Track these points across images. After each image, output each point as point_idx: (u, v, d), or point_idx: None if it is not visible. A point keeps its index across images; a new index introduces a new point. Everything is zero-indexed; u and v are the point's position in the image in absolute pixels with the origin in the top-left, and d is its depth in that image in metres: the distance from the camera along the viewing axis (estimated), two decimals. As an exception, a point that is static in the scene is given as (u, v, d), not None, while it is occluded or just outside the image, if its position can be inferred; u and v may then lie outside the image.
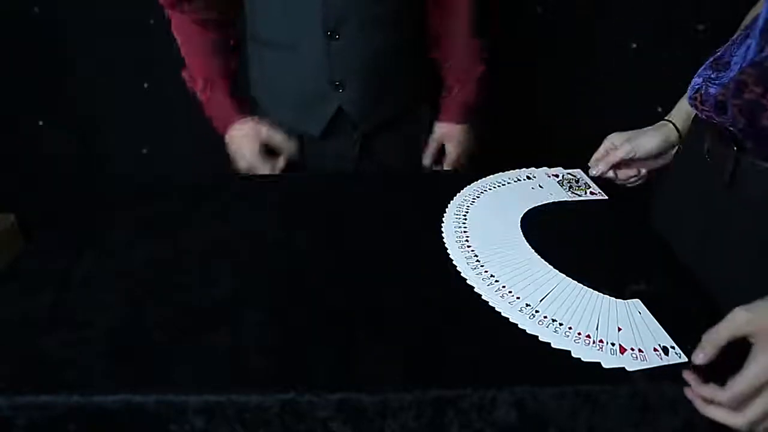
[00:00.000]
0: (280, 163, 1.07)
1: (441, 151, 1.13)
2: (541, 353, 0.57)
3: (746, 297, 0.53)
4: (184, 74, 1.09)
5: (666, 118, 0.83)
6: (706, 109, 0.68)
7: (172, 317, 0.62)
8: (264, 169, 1.06)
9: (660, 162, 0.84)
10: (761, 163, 0.63)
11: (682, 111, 0.81)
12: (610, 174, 0.86)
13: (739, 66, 0.64)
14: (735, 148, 0.65)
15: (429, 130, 1.12)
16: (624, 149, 0.82)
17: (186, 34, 1.06)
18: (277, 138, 1.05)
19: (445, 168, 1.12)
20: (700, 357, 0.53)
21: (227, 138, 1.09)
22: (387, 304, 0.64)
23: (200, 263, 0.72)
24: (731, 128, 0.65)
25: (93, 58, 1.57)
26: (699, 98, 0.69)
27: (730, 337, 0.52)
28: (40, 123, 1.66)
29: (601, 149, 0.86)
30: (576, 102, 1.57)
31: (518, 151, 1.52)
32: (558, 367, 0.56)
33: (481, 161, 1.18)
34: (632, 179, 0.86)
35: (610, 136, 0.85)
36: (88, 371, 0.55)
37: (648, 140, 0.82)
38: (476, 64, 1.08)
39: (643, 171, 0.85)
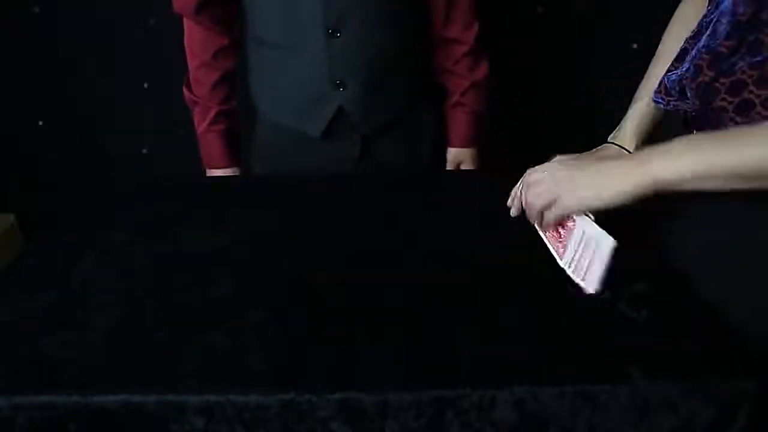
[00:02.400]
0: None
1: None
2: (541, 353, 0.57)
3: (722, 281, 0.60)
4: (186, 93, 1.11)
5: (610, 140, 0.82)
6: (672, 97, 0.70)
7: (172, 317, 0.63)
8: None
9: None
10: None
11: (626, 132, 0.81)
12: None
13: (697, 52, 0.67)
14: (694, 132, 0.68)
15: (430, 131, 1.12)
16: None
17: (198, 41, 1.06)
18: None
19: None
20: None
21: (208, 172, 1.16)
22: (387, 304, 0.64)
23: (200, 263, 0.72)
24: (692, 113, 0.68)
25: (93, 58, 1.57)
26: (663, 90, 0.72)
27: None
28: (40, 123, 1.66)
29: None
30: (576, 102, 1.57)
31: (518, 151, 1.52)
32: (558, 367, 0.56)
33: (481, 161, 1.18)
34: None
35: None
36: (88, 371, 0.55)
37: None
38: (477, 72, 1.10)
39: None
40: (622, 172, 0.64)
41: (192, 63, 1.08)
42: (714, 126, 0.65)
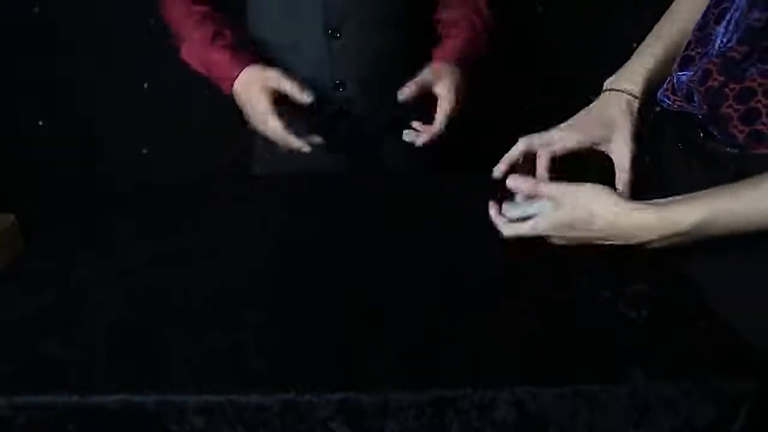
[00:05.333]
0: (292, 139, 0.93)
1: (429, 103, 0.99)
2: (541, 353, 0.57)
3: (721, 281, 0.61)
4: (184, 55, 1.01)
5: (612, 86, 0.76)
6: (678, 98, 0.69)
7: (172, 317, 0.62)
8: (278, 127, 0.93)
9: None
10: (723, 147, 0.65)
11: (636, 72, 0.75)
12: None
13: (706, 55, 0.66)
14: (701, 134, 0.67)
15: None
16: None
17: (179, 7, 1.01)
18: (287, 84, 0.92)
19: (438, 117, 0.96)
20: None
21: (234, 93, 0.97)
22: (387, 304, 0.64)
23: (200, 263, 0.72)
24: (699, 116, 0.67)
25: (93, 58, 1.57)
26: (671, 88, 0.71)
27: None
28: (40, 123, 1.66)
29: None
30: (575, 102, 1.57)
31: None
32: (558, 367, 0.56)
33: (481, 162, 1.18)
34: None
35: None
36: (88, 371, 0.55)
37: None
38: (477, 18, 1.03)
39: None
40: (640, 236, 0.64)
41: (178, 25, 1.01)
42: (720, 130, 0.65)
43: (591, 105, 0.77)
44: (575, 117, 0.77)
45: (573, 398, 0.53)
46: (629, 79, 0.75)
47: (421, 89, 0.95)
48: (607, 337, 0.59)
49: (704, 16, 0.70)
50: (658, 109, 0.75)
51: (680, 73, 0.70)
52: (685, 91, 0.68)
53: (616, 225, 0.64)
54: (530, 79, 1.56)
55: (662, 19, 0.79)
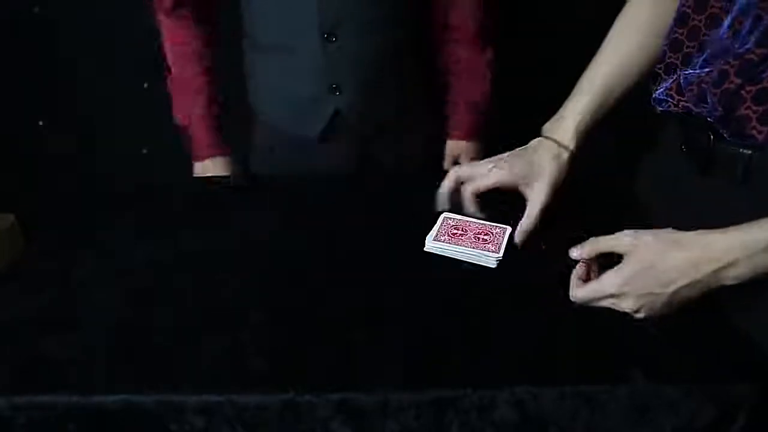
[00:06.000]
0: None
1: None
2: (541, 353, 0.57)
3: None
4: (171, 89, 1.10)
5: (546, 134, 0.78)
6: (684, 99, 0.69)
7: (172, 317, 0.63)
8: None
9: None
10: (735, 148, 0.65)
11: (568, 127, 0.77)
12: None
13: (716, 57, 0.65)
14: (711, 137, 0.67)
15: (428, 132, 1.12)
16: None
17: (180, 41, 1.06)
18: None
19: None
20: (576, 252, 0.64)
21: (195, 164, 1.13)
22: (387, 304, 0.64)
23: (200, 263, 0.72)
24: (708, 118, 0.66)
25: (93, 58, 1.57)
26: (675, 88, 0.70)
27: (608, 249, 0.62)
28: (40, 123, 1.66)
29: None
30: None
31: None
32: (558, 367, 0.56)
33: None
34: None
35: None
36: (88, 371, 0.55)
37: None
38: (483, 77, 1.10)
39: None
40: (699, 292, 0.59)
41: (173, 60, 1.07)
42: (735, 132, 0.64)
43: (525, 146, 0.78)
44: (508, 153, 0.77)
45: (573, 398, 0.53)
46: (562, 129, 0.77)
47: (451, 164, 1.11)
48: (607, 337, 0.59)
49: (681, 20, 0.69)
50: (659, 110, 0.75)
51: (687, 72, 0.69)
52: (696, 91, 0.67)
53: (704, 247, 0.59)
54: (529, 80, 1.56)
55: (588, 67, 0.81)
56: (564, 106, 0.79)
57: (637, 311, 0.60)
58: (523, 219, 0.74)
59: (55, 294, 0.66)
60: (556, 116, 0.79)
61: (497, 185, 0.75)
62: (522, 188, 0.75)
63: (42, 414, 0.53)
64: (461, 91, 1.11)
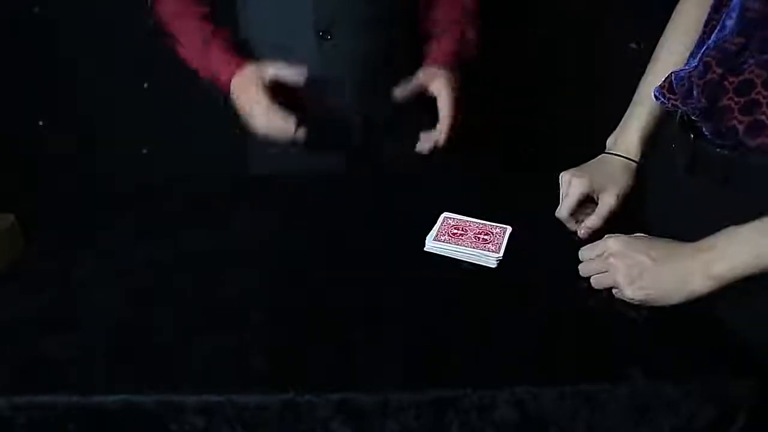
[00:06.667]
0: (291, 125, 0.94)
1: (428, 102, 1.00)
2: (541, 353, 0.57)
3: None
4: (181, 52, 1.03)
5: (611, 150, 0.81)
6: (674, 96, 0.70)
7: (172, 317, 0.63)
8: (278, 118, 0.93)
9: None
10: (713, 148, 0.66)
11: (632, 139, 0.80)
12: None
13: (701, 49, 0.67)
14: (692, 136, 0.69)
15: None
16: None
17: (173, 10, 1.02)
18: (283, 72, 0.94)
19: (441, 123, 0.98)
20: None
21: (232, 94, 0.97)
22: (386, 303, 0.64)
23: (200, 263, 0.72)
24: (693, 115, 0.68)
25: (93, 58, 1.57)
26: (667, 86, 0.71)
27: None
28: (40, 123, 1.66)
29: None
30: (575, 102, 1.57)
31: (517, 152, 1.52)
32: (558, 367, 0.56)
33: (480, 162, 1.18)
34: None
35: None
36: (88, 371, 0.55)
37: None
38: (465, 21, 1.04)
39: None
40: (685, 275, 0.61)
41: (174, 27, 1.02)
42: (717, 124, 0.65)
43: (595, 160, 0.82)
44: (579, 167, 0.80)
45: (573, 398, 0.53)
46: (627, 144, 0.81)
47: (416, 89, 0.98)
48: (607, 337, 0.59)
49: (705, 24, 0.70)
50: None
51: (679, 69, 0.70)
52: (684, 86, 0.68)
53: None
54: (529, 80, 1.56)
55: (644, 76, 0.82)
56: (625, 119, 0.82)
57: (629, 284, 0.62)
58: (591, 217, 0.77)
59: (55, 294, 0.66)
60: (619, 130, 0.83)
61: (582, 196, 0.78)
62: (595, 194, 0.78)
63: (42, 414, 0.53)
64: (441, 15, 1.05)
